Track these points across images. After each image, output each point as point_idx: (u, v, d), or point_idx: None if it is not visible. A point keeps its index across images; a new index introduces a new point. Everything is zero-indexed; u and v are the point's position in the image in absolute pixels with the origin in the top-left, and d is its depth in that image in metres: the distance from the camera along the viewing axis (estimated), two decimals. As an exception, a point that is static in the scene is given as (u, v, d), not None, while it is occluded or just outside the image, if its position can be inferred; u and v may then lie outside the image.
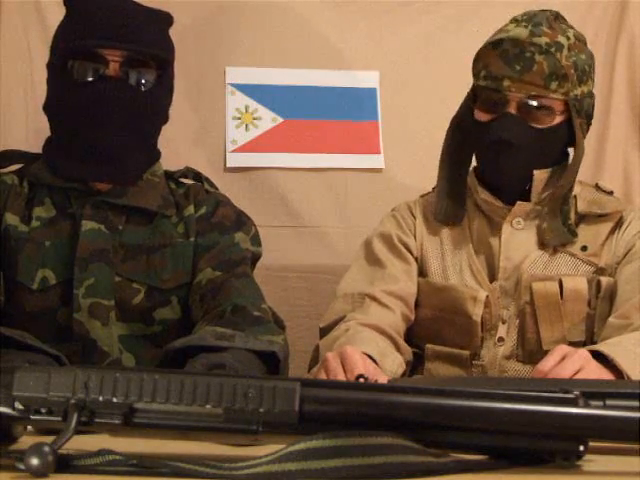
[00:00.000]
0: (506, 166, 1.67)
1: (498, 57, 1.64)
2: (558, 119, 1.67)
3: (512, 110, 1.65)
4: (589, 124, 1.74)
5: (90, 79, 1.56)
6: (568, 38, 1.66)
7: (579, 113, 1.68)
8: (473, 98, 1.73)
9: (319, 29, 2.35)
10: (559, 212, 1.69)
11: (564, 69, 1.63)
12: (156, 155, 1.70)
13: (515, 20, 1.70)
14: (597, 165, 2.38)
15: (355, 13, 2.38)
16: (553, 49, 1.62)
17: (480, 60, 1.69)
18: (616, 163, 2.39)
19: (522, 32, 1.64)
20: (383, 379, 1.35)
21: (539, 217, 1.71)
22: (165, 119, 1.69)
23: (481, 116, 1.70)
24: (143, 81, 1.59)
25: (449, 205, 1.76)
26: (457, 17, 2.37)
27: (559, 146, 1.72)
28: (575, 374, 1.32)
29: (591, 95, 1.71)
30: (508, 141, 1.64)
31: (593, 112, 1.73)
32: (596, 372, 1.34)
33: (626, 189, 2.38)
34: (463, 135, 1.77)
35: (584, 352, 1.36)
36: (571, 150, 1.76)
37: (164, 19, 1.66)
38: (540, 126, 1.66)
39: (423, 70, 2.37)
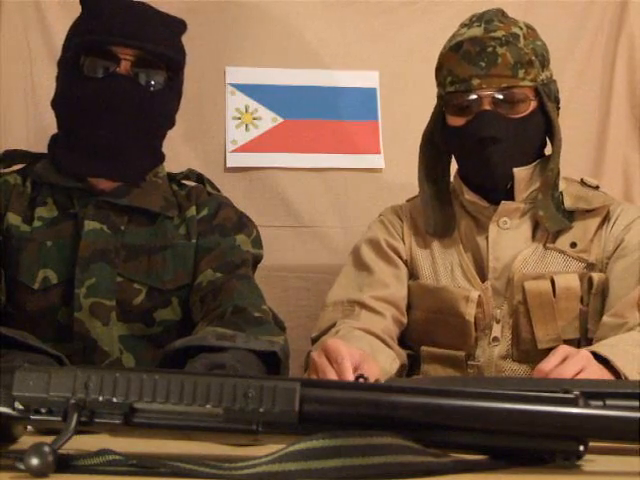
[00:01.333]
0: (495, 162, 1.66)
1: (461, 59, 1.65)
2: (532, 106, 1.69)
3: (487, 107, 1.65)
4: (559, 108, 1.75)
5: (101, 75, 1.57)
6: (521, 28, 1.69)
7: (549, 97, 1.70)
8: (441, 108, 1.73)
9: (319, 29, 2.35)
10: (551, 199, 1.69)
11: (528, 55, 1.65)
12: (160, 158, 1.71)
13: (464, 25, 1.72)
14: (597, 165, 2.38)
15: (355, 13, 2.38)
16: (512, 39, 1.64)
17: (443, 68, 1.70)
18: (616, 163, 2.39)
19: (477, 30, 1.66)
20: (372, 365, 1.34)
21: (533, 209, 1.71)
22: (171, 123, 1.69)
23: (456, 121, 1.70)
24: (153, 82, 1.60)
25: (437, 219, 1.76)
26: (457, 17, 2.34)
27: (539, 133, 1.72)
28: (576, 375, 1.31)
29: (554, 80, 1.74)
30: (492, 137, 1.65)
31: (559, 97, 1.75)
32: (597, 373, 1.34)
33: (626, 189, 2.38)
34: (436, 148, 1.77)
35: (586, 353, 1.36)
36: (549, 147, 1.76)
37: (177, 25, 1.67)
38: (517, 116, 1.67)
39: (423, 70, 2.35)
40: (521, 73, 1.64)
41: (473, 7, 2.32)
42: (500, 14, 1.70)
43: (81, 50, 1.59)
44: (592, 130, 2.40)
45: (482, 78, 1.63)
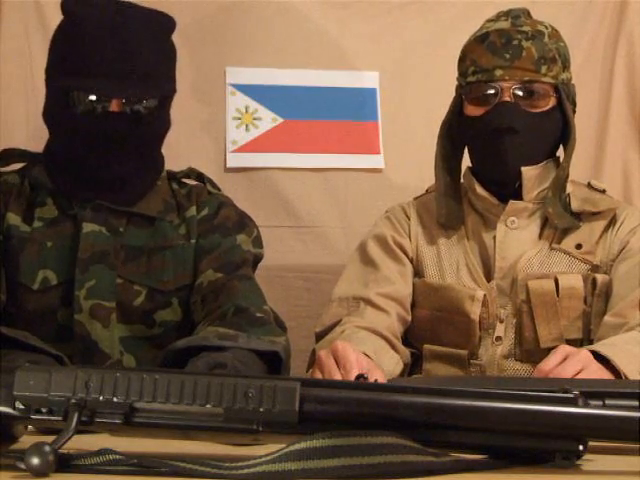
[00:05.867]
0: (509, 153, 1.67)
1: (486, 49, 1.67)
2: (551, 103, 1.70)
3: (507, 98, 1.66)
4: (574, 112, 1.76)
5: (91, 111, 1.54)
6: (546, 27, 1.71)
7: (568, 97, 1.72)
8: (460, 98, 1.74)
9: (319, 29, 2.35)
10: (559, 199, 1.69)
11: (551, 52, 1.67)
12: (160, 166, 1.69)
13: (490, 20, 1.74)
14: (597, 166, 2.38)
15: (355, 13, 2.38)
16: (537, 35, 1.67)
17: (466, 58, 1.71)
18: (616, 164, 2.39)
19: (504, 24, 1.69)
20: (378, 373, 1.34)
21: (541, 208, 1.72)
22: (168, 128, 1.67)
23: (474, 111, 1.70)
24: (146, 109, 1.56)
25: (450, 208, 1.76)
26: (457, 17, 2.37)
27: (555, 131, 1.73)
28: (576, 374, 1.32)
29: (572, 84, 1.76)
30: (510, 128, 1.66)
31: (576, 100, 1.77)
32: (597, 373, 1.34)
33: (626, 190, 2.38)
34: (453, 139, 1.78)
35: (586, 353, 1.36)
36: (561, 149, 1.77)
37: (166, 26, 1.62)
38: (536, 110, 1.68)
39: (423, 70, 2.37)
40: (544, 69, 1.66)
41: (473, 7, 2.34)
42: (526, 13, 1.73)
43: (66, 85, 1.54)
44: (591, 130, 2.40)
45: (505, 69, 1.65)
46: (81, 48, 1.54)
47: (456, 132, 1.77)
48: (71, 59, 1.56)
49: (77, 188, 1.60)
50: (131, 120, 1.55)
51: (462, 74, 1.73)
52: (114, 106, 1.54)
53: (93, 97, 1.54)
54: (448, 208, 1.76)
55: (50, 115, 1.62)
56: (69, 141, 1.58)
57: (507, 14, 1.72)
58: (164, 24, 1.62)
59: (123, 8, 1.58)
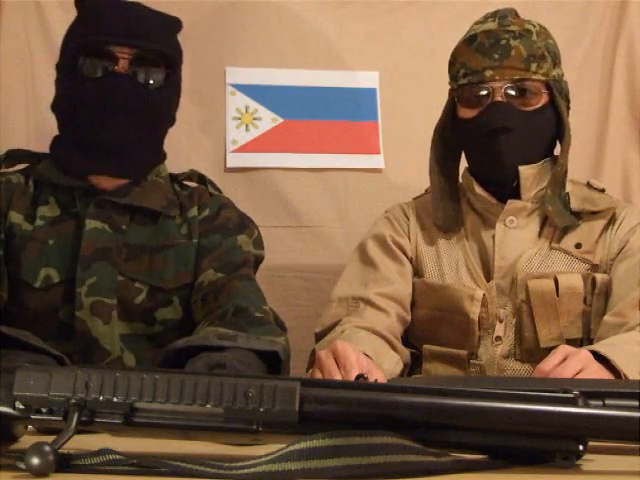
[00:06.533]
0: (505, 152, 1.67)
1: (474, 51, 1.67)
2: (543, 100, 1.70)
3: (499, 98, 1.67)
4: (569, 108, 1.76)
5: (99, 75, 1.58)
6: (534, 26, 1.71)
7: (560, 94, 1.72)
8: (453, 102, 1.75)
9: (319, 29, 2.36)
10: (558, 197, 1.69)
11: (540, 50, 1.67)
12: (161, 156, 1.72)
13: (478, 22, 1.75)
14: (596, 166, 2.39)
15: (355, 13, 2.38)
16: (525, 33, 1.67)
17: (456, 61, 1.72)
18: (615, 164, 2.39)
19: (492, 24, 1.70)
20: (378, 373, 1.35)
21: (540, 207, 1.72)
22: (172, 121, 1.70)
23: (467, 113, 1.71)
24: (151, 80, 1.61)
25: (446, 212, 1.76)
26: (457, 17, 2.37)
27: (549, 128, 1.73)
28: (576, 374, 1.32)
29: (564, 80, 1.76)
30: (504, 127, 1.66)
31: (569, 96, 1.76)
32: (597, 373, 1.34)
33: (625, 190, 2.38)
34: (448, 142, 1.79)
35: (586, 353, 1.36)
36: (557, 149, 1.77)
37: (173, 24, 1.69)
38: (529, 108, 1.69)
39: (423, 70, 2.37)
40: (533, 66, 1.67)
41: (473, 7, 2.34)
42: (513, 13, 1.73)
43: (79, 52, 1.60)
44: (591, 131, 2.40)
45: (495, 70, 1.65)
46: (91, 21, 1.61)
47: (451, 135, 1.78)
48: (81, 30, 1.63)
49: (82, 162, 1.61)
50: (136, 84, 1.59)
51: (453, 77, 1.74)
52: (120, 67, 1.58)
53: (100, 61, 1.58)
54: (445, 211, 1.76)
55: (60, 95, 1.65)
56: (76, 110, 1.60)
57: (494, 15, 1.72)
58: (171, 21, 1.69)
59: (135, 5, 1.66)
